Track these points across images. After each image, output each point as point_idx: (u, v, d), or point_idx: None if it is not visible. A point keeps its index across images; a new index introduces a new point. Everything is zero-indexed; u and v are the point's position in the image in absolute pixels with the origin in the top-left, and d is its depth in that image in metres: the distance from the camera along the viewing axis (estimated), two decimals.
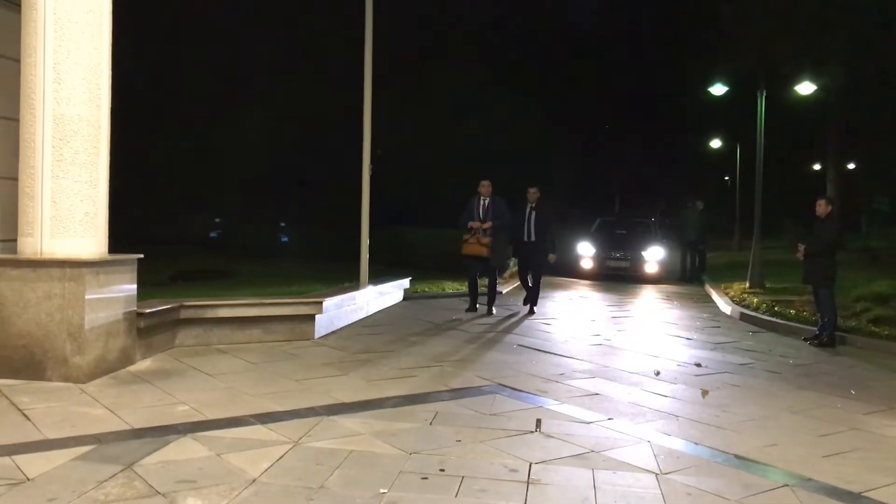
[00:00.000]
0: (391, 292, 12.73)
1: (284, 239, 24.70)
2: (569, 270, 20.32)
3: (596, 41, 35.62)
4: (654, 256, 20.01)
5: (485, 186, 11.57)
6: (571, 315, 12.43)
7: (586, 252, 20.49)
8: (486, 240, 11.30)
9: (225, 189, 25.00)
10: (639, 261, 20.00)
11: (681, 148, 40.19)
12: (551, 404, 6.18)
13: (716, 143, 35.80)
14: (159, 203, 24.26)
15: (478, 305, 11.90)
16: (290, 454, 4.64)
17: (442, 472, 4.42)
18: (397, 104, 23.86)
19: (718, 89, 20.86)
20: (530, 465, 4.60)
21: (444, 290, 14.91)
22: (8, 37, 6.98)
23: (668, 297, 16.14)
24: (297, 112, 24.86)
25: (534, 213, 11.90)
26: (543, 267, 12.34)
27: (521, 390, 6.63)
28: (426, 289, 14.66)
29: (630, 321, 12.00)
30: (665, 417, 5.96)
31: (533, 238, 11.90)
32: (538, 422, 5.55)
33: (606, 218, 24.45)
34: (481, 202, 11.56)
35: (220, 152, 24.98)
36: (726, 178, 43.36)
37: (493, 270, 11.81)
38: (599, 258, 20.27)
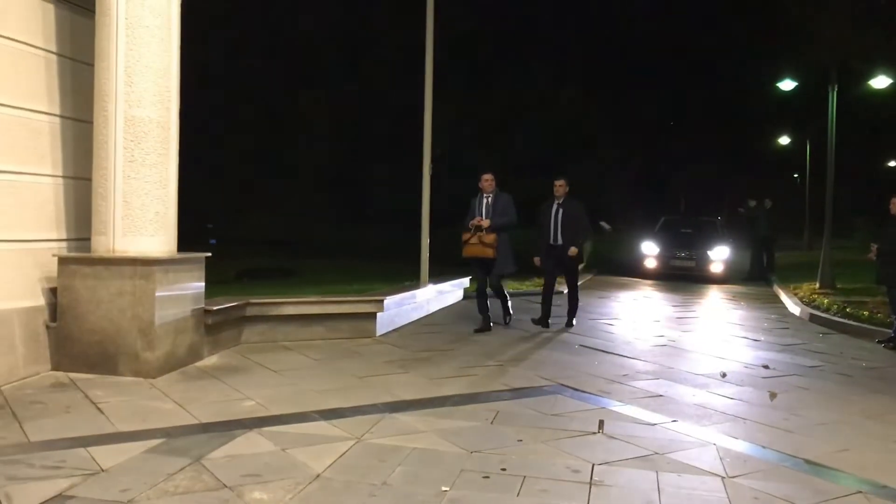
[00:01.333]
0: (451, 291, 12.75)
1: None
2: (632, 270, 20.06)
3: (659, 38, 35.06)
4: (720, 256, 19.58)
5: (486, 181, 9.61)
6: (635, 315, 12.26)
7: (650, 251, 20.17)
8: (489, 238, 9.30)
9: (290, 188, 25.41)
10: (704, 260, 19.59)
11: (747, 145, 39.29)
12: (614, 405, 6.10)
13: (784, 140, 34.88)
14: (226, 202, 24.77)
15: (492, 324, 9.87)
16: (353, 450, 4.68)
17: (503, 472, 4.40)
18: (460, 103, 23.90)
19: (787, 84, 20.29)
20: (593, 466, 4.55)
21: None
22: (82, 42, 7.23)
23: (735, 298, 15.78)
24: (360, 111, 25.11)
25: (561, 211, 9.97)
26: (577, 274, 10.75)
27: (583, 391, 6.56)
28: (487, 288, 14.59)
29: (695, 322, 11.77)
30: (731, 420, 5.82)
31: (560, 241, 9.97)
32: (601, 423, 5.49)
33: (671, 216, 24.01)
34: (484, 199, 9.64)
35: (285, 152, 25.39)
36: (795, 175, 42.20)
37: (498, 279, 9.77)
38: (663, 258, 19.93)
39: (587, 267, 20.61)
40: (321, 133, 25.39)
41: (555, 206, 10.01)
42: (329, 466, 4.37)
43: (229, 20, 22.86)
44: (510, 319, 10.16)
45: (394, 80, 23.59)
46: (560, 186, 10.04)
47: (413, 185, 12.83)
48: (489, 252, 9.35)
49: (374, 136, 24.89)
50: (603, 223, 25.83)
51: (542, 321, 10.08)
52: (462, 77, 24.32)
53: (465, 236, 9.51)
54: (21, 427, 4.97)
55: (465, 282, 13.53)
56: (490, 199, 9.57)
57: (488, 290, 9.87)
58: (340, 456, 4.57)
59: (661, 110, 37.17)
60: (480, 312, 9.73)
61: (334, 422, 5.29)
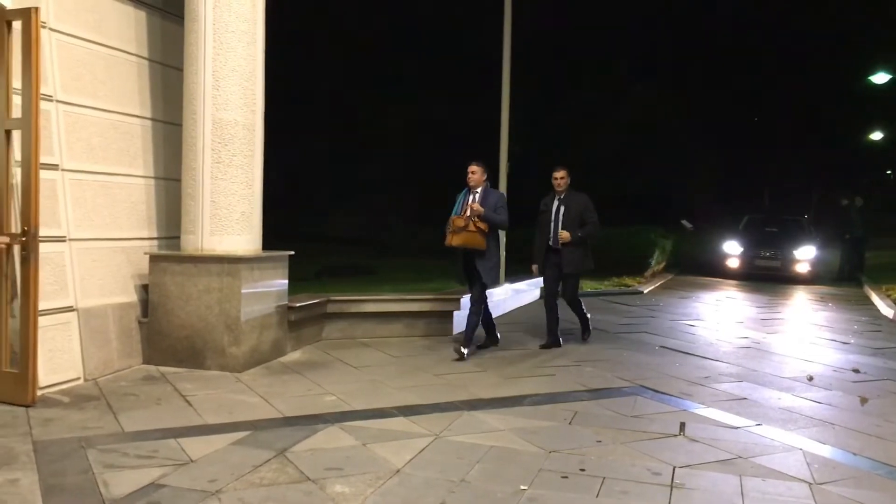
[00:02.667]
0: (527, 290, 12.72)
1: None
2: (713, 270, 19.57)
3: (744, 32, 34.07)
4: (806, 255, 18.89)
5: (473, 173, 7.75)
6: (717, 316, 11.97)
7: (733, 251, 19.63)
8: (482, 224, 7.57)
9: (368, 187, 25.73)
10: (790, 260, 18.94)
11: (836, 141, 37.80)
12: (696, 408, 5.99)
13: (876, 136, 33.44)
14: (307, 201, 25.27)
15: (493, 338, 8.45)
16: (431, 447, 4.74)
17: (582, 472, 4.38)
18: (539, 102, 23.76)
19: (881, 77, 19.46)
20: (674, 469, 4.48)
21: (581, 288, 14.67)
22: (172, 48, 7.51)
23: (822, 299, 15.23)
24: (436, 111, 25.23)
25: (562, 209, 8.30)
26: (577, 284, 8.80)
27: (663, 392, 6.46)
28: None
29: (780, 323, 11.41)
30: (819, 425, 5.64)
31: (561, 244, 8.30)
32: (682, 425, 5.40)
33: (755, 215, 23.31)
34: (470, 196, 7.82)
35: (364, 152, 25.74)
36: (888, 171, 40.42)
37: (482, 288, 7.88)
38: (747, 257, 19.35)
39: (667, 266, 20.26)
40: (398, 132, 25.65)
41: (555, 203, 8.41)
42: (408, 462, 4.43)
43: (307, 22, 23.29)
44: (496, 339, 8.43)
45: (472, 79, 23.61)
46: (560, 178, 8.41)
47: (494, 183, 12.82)
48: (479, 241, 7.58)
49: (452, 135, 24.97)
50: (684, 222, 25.30)
51: (551, 342, 8.47)
52: (540, 74, 24.15)
53: (457, 221, 7.58)
54: (116, 418, 5.20)
55: (542, 281, 13.46)
56: (478, 196, 7.74)
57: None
58: (419, 452, 4.62)
59: (744, 106, 36.13)
60: (484, 328, 8.29)
61: (413, 418, 5.36)
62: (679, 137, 29.14)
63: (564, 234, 8.15)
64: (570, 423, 5.40)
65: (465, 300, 9.11)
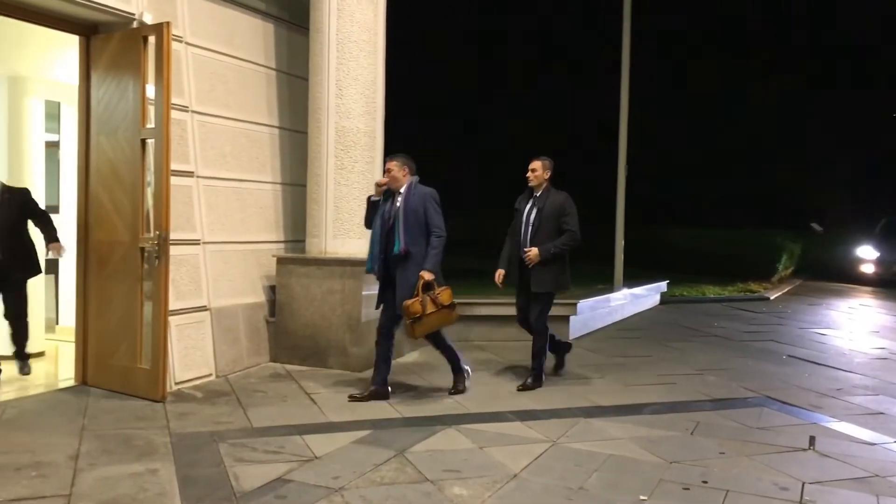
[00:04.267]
0: (647, 295, 12.45)
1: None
2: (846, 276, 18.56)
3: (874, 24, 32.08)
4: None
5: (388, 171, 5.93)
6: (850, 325, 11.34)
7: (868, 256, 18.56)
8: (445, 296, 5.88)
9: (484, 188, 25.84)
10: None
11: None
12: (827, 421, 5.69)
13: None
14: None
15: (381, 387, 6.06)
16: (548, 453, 4.72)
17: (704, 485, 4.25)
18: (658, 99, 23.17)
19: None
20: (803, 485, 4.28)
21: (704, 294, 14.30)
22: (297, 58, 7.81)
23: None
24: (548, 111, 25.05)
25: (534, 211, 6.50)
26: (548, 308, 6.56)
27: (791, 404, 6.17)
28: (684, 293, 14.14)
29: None
30: None
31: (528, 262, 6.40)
32: (812, 439, 5.15)
33: (894, 218, 21.93)
34: (393, 202, 5.93)
35: (478, 152, 25.87)
36: None
37: (393, 318, 5.99)
38: (884, 263, 18.24)
39: (796, 272, 19.33)
40: (517, 129, 25.64)
41: (529, 203, 6.59)
42: (525, 467, 4.43)
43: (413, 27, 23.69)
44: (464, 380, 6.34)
45: (589, 80, 23.33)
46: (536, 173, 6.51)
47: (606, 185, 12.64)
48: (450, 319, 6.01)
49: (566, 135, 24.74)
50: (814, 224, 24.10)
51: (533, 381, 6.50)
52: (660, 73, 23.57)
53: (414, 307, 5.75)
54: (245, 413, 5.45)
55: (663, 286, 13.18)
56: (401, 201, 5.88)
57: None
58: (536, 458, 4.61)
59: (877, 103, 34.00)
60: (379, 363, 6.05)
61: (529, 423, 5.35)
62: (810, 135, 27.74)
63: (532, 254, 6.31)
64: (691, 434, 5.26)
65: (581, 305, 9.03)
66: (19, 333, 6.55)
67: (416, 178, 5.99)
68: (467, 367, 6.35)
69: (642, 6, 12.29)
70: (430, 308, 5.78)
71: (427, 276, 5.78)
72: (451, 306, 5.92)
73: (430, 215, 5.87)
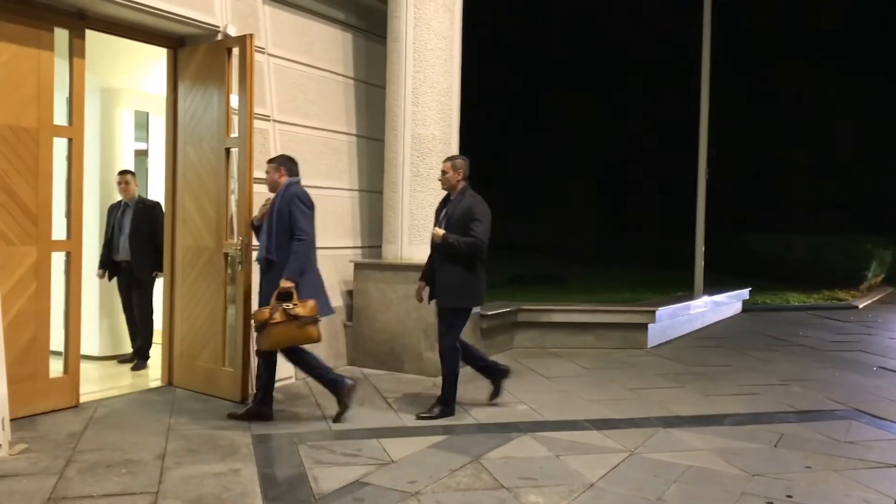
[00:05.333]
0: (728, 303, 12.14)
1: None
2: None
3: None
4: None
5: (267, 173, 5.61)
6: None
7: None
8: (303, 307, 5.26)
9: (559, 193, 25.66)
10: None
11: None
12: None
13: None
14: (496, 208, 25.67)
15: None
16: (626, 462, 4.65)
17: (789, 499, 4.12)
18: (741, 99, 22.55)
19: None
20: (894, 503, 4.11)
21: (788, 301, 13.86)
22: (374, 67, 7.93)
23: None
24: (626, 113, 24.68)
25: (445, 217, 5.73)
26: (452, 326, 5.69)
27: (882, 418, 5.92)
28: (767, 300, 13.73)
29: None
30: None
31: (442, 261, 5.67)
32: None
33: None
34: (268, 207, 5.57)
35: (554, 157, 25.69)
36: None
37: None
38: None
39: (886, 279, 18.51)
40: (589, 136, 25.35)
41: (444, 209, 5.84)
42: (602, 477, 4.38)
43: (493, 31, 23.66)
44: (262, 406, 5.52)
45: (668, 81, 22.88)
46: (444, 175, 5.78)
47: (686, 189, 12.39)
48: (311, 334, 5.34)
49: (645, 138, 24.30)
50: None
51: (440, 412, 5.64)
52: (740, 72, 22.91)
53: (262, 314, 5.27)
54: (324, 416, 5.55)
55: (745, 293, 12.84)
56: (274, 209, 5.45)
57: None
58: (613, 467, 4.56)
59: None
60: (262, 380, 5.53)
61: (606, 432, 5.29)
62: None
63: (437, 232, 5.61)
64: (775, 446, 5.10)
65: (660, 312, 8.89)
66: (146, 333, 7.09)
67: (292, 179, 5.54)
68: (350, 382, 5.54)
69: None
70: (278, 318, 5.17)
71: (284, 284, 5.22)
72: (305, 320, 5.20)
73: (294, 217, 5.36)
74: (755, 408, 6.16)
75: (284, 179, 5.52)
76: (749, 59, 23.57)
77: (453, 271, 5.58)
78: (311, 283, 5.39)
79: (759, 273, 16.84)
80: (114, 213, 7.13)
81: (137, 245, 6.94)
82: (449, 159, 5.86)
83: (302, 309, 5.20)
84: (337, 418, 5.42)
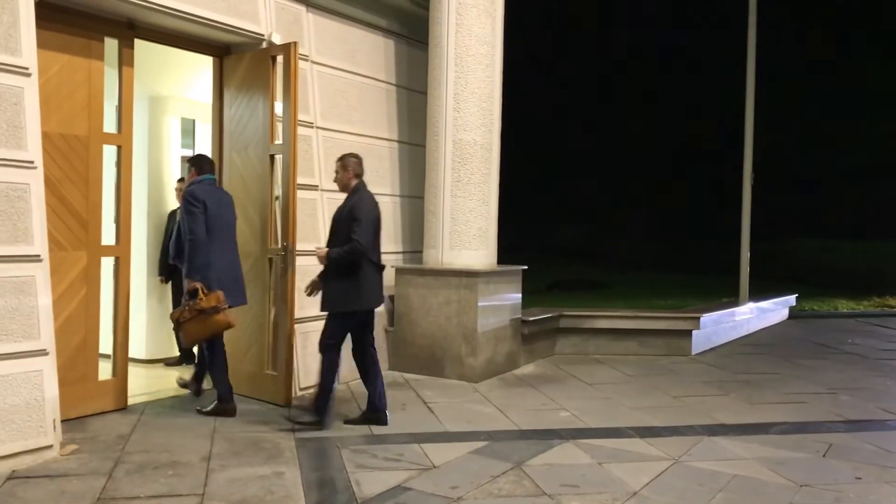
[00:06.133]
0: (774, 310, 11.94)
1: None
2: None
3: None
4: None
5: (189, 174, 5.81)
6: None
7: None
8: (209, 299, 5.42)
9: (602, 198, 25.47)
10: None
11: None
12: None
13: None
14: (536, 213, 25.53)
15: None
16: (670, 471, 4.59)
17: None
18: (788, 101, 22.13)
19: None
20: None
21: (836, 308, 13.58)
22: (415, 73, 7.97)
23: None
24: (671, 114, 24.41)
25: (334, 219, 5.61)
26: (328, 330, 5.49)
27: None
28: (815, 307, 13.47)
29: None
30: None
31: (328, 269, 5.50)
32: None
33: None
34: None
35: (598, 161, 25.51)
36: None
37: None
38: None
39: None
40: (634, 142, 25.11)
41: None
42: (646, 485, 4.33)
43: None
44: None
45: (714, 84, 22.57)
46: (336, 175, 5.66)
47: (731, 195, 12.19)
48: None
49: (688, 143, 23.99)
50: None
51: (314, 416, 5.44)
52: (788, 72, 22.46)
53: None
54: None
55: (791, 299, 12.61)
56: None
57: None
58: (657, 476, 4.50)
59: None
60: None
61: (649, 440, 5.23)
62: None
63: (320, 253, 5.42)
64: (823, 456, 5.00)
65: (705, 319, 8.77)
66: None
67: (199, 178, 5.57)
68: (232, 406, 5.62)
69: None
70: (187, 315, 5.38)
71: (188, 285, 5.42)
72: (209, 312, 5.33)
73: (182, 219, 5.48)
74: (802, 416, 6.04)
75: (195, 178, 5.64)
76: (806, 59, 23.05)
77: (335, 276, 5.39)
78: (217, 276, 5.47)
79: (807, 279, 16.53)
80: (172, 219, 7.27)
81: None
82: (339, 159, 5.66)
83: (206, 301, 5.35)
84: (204, 410, 5.61)
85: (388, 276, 7.42)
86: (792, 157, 22.55)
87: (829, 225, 20.15)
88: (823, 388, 7.15)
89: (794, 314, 12.69)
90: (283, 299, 5.92)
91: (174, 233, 7.07)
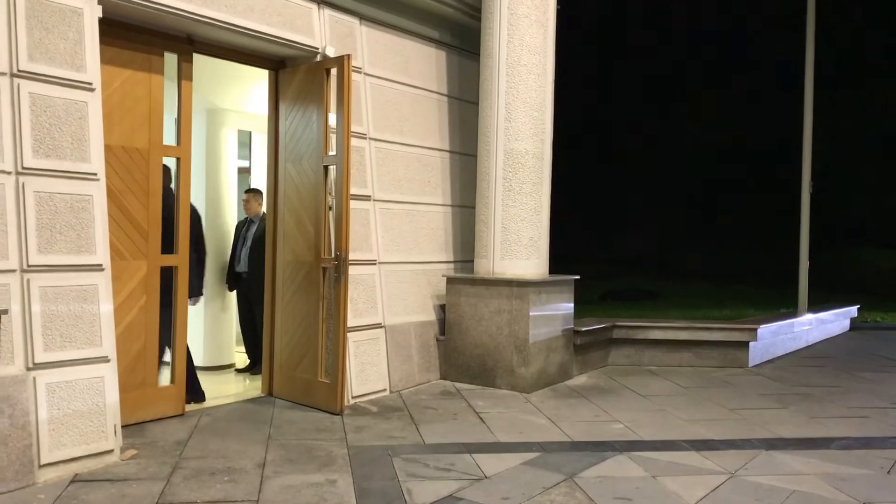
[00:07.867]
0: (835, 321, 11.62)
1: None
2: None
3: None
4: None
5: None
6: None
7: None
8: None
9: (654, 208, 25.17)
10: None
11: None
12: None
13: None
14: (590, 222, 25.34)
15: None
16: (726, 485, 4.50)
17: None
18: (847, 110, 21.63)
19: None
20: None
21: (882, 320, 13.17)
22: (467, 83, 8.00)
23: None
24: (724, 124, 24.02)
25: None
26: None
27: None
28: (878, 318, 13.07)
29: None
30: None
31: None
32: None
33: None
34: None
35: (650, 171, 25.23)
36: None
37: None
38: None
39: None
40: (685, 148, 24.79)
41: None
42: (701, 500, 4.25)
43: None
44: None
45: (769, 92, 22.16)
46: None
47: (794, 201, 11.92)
48: None
49: (749, 148, 23.55)
50: None
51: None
52: (848, 80, 21.94)
53: None
54: (417, 429, 5.60)
55: (853, 311, 12.28)
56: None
57: None
58: (713, 490, 4.42)
59: None
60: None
61: (705, 453, 5.14)
62: None
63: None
64: (888, 473, 4.84)
65: (762, 330, 8.60)
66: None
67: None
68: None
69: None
70: None
71: None
72: None
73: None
74: (865, 431, 5.86)
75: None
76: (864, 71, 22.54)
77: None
78: None
79: (871, 290, 16.07)
80: (240, 229, 7.62)
81: (256, 257, 7.23)
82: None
83: None
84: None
85: (440, 286, 7.47)
86: (858, 165, 21.98)
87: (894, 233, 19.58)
88: (887, 402, 6.93)
89: (855, 325, 12.34)
90: (336, 308, 5.99)
91: (248, 242, 7.31)
